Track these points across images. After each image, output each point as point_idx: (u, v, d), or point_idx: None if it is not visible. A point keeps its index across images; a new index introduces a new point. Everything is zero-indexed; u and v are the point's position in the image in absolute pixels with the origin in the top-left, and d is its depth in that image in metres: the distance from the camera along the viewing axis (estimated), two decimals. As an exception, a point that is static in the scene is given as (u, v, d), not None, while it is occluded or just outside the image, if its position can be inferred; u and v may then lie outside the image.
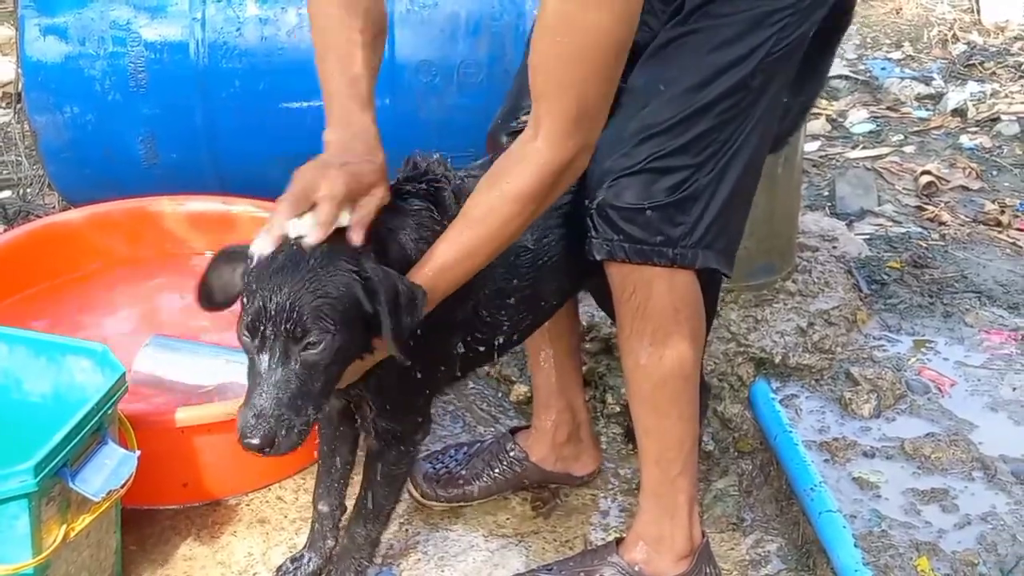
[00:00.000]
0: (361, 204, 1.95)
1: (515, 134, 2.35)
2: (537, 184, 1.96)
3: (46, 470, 2.05)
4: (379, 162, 2.03)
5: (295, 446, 1.90)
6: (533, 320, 2.39)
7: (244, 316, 1.89)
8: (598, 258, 2.20)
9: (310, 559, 2.48)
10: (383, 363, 2.09)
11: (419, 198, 2.12)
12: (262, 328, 1.86)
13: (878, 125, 5.07)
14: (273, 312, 1.85)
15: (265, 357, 1.87)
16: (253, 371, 1.89)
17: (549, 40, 1.90)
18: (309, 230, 1.88)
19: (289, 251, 1.89)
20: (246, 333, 1.88)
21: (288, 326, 1.86)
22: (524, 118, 2.27)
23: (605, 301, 2.39)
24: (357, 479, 2.42)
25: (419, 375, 2.17)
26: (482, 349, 2.30)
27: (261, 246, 1.89)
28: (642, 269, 2.18)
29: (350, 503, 2.46)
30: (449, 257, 2.00)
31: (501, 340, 2.32)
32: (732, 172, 2.18)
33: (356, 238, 1.91)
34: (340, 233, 1.93)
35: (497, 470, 2.74)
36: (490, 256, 2.04)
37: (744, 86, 2.14)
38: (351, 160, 1.99)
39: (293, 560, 2.50)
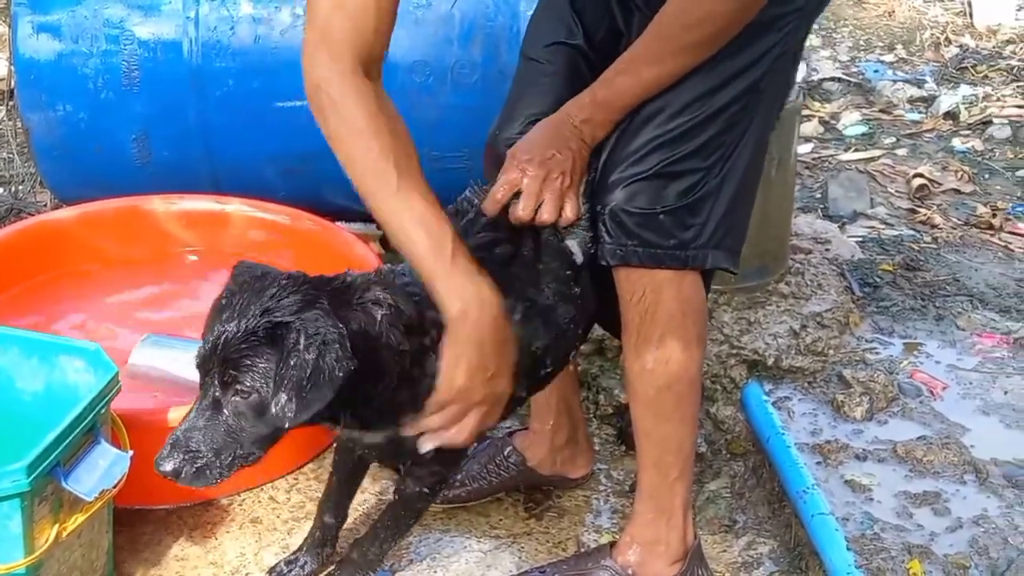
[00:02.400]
0: None
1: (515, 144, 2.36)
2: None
3: (39, 470, 2.04)
4: None
5: (206, 485, 1.95)
6: (568, 353, 2.39)
7: (199, 350, 1.93)
8: (611, 263, 2.20)
9: (306, 563, 2.47)
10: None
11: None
12: (207, 364, 1.91)
13: (871, 127, 5.08)
14: (218, 351, 1.88)
15: (202, 393, 1.92)
16: (195, 401, 1.94)
17: None
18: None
19: (249, 287, 1.92)
20: (198, 367, 1.93)
21: (222, 369, 1.89)
22: (522, 128, 2.28)
23: (602, 317, 2.39)
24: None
25: None
26: (524, 395, 2.33)
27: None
28: (652, 273, 2.19)
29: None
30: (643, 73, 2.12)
31: (540, 379, 2.34)
32: (737, 171, 2.20)
33: None
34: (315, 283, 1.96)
35: (493, 473, 2.74)
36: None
37: (754, 89, 2.17)
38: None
39: (288, 563, 2.49)
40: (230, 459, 1.93)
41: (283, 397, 1.87)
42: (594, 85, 2.20)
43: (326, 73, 1.99)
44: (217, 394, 1.91)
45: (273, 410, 1.88)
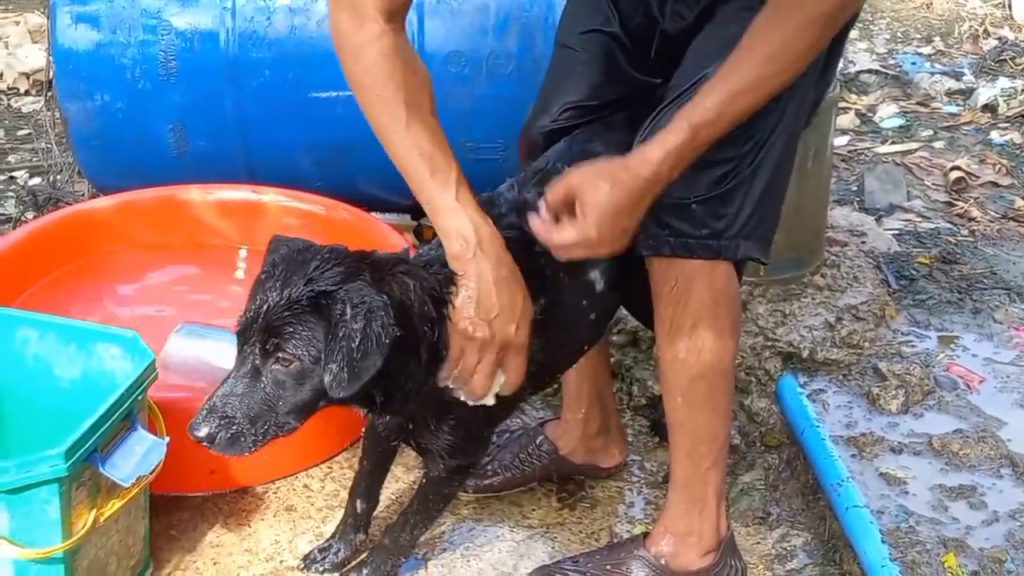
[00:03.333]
0: None
1: (551, 133, 2.35)
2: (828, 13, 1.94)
3: (76, 455, 2.06)
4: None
5: (241, 452, 1.94)
6: (592, 344, 2.43)
7: (240, 317, 1.93)
8: (644, 254, 2.19)
9: (339, 550, 2.49)
10: (452, 415, 2.15)
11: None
12: (247, 334, 1.90)
13: (908, 120, 5.04)
14: (260, 319, 1.88)
15: (240, 361, 1.91)
16: (232, 368, 1.94)
17: None
18: None
19: (292, 259, 1.93)
20: (237, 331, 1.93)
21: (263, 337, 1.88)
22: (557, 116, 2.27)
23: (636, 307, 2.39)
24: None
25: (486, 413, 2.18)
26: (549, 378, 2.37)
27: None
28: (684, 263, 2.18)
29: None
30: (735, 87, 1.96)
31: (565, 363, 2.39)
32: (769, 160, 2.17)
33: None
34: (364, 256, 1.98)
35: (526, 462, 2.74)
36: (771, 93, 1.99)
37: None
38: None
39: (321, 550, 2.50)
40: (265, 428, 1.93)
41: (334, 367, 1.88)
42: (667, 132, 2.01)
43: (347, 22, 2.05)
44: (257, 362, 1.90)
45: (327, 380, 1.89)
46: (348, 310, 1.88)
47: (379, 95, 2.04)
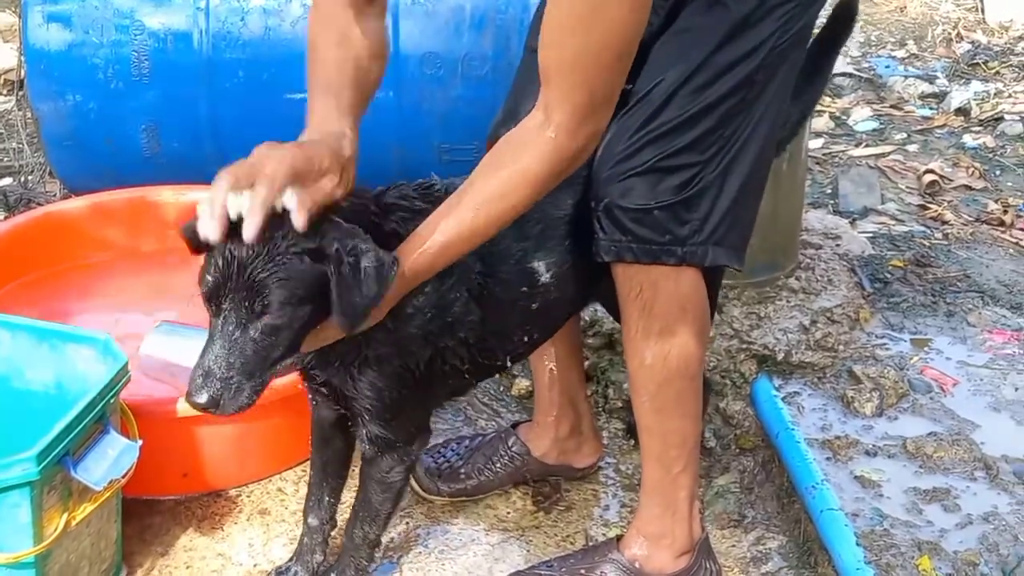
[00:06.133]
0: (310, 188, 1.87)
1: None
2: (549, 169, 1.93)
3: (48, 459, 2.04)
4: (343, 152, 1.95)
5: (243, 408, 1.89)
6: (541, 336, 2.38)
7: (204, 280, 1.87)
8: (606, 259, 2.18)
9: (296, 572, 2.45)
10: (376, 367, 2.10)
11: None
12: (220, 294, 1.85)
13: (881, 123, 5.06)
14: (233, 278, 1.84)
15: (221, 320, 1.86)
16: (211, 331, 1.89)
17: (567, 34, 1.86)
18: (246, 215, 1.80)
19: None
20: (205, 295, 1.87)
21: (245, 294, 1.84)
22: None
23: (611, 304, 2.38)
24: (349, 493, 2.41)
25: (415, 380, 2.15)
26: (487, 363, 2.29)
27: (206, 229, 1.81)
28: (649, 268, 2.17)
29: (341, 519, 2.45)
30: (449, 234, 1.94)
31: (508, 357, 2.33)
32: (739, 167, 2.16)
33: (297, 222, 1.83)
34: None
35: (499, 464, 2.74)
36: (485, 238, 1.99)
37: (749, 82, 2.13)
38: (310, 142, 1.94)
39: (279, 572, 2.47)
40: (262, 376, 1.89)
41: (346, 308, 1.87)
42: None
43: (314, 11, 2.13)
44: (242, 318, 1.86)
45: (339, 321, 1.88)
46: (343, 254, 1.85)
47: (313, 83, 2.08)
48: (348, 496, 2.46)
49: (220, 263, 1.85)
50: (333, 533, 2.47)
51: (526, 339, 2.33)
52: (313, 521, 2.43)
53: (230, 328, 1.86)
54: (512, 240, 2.19)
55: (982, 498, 2.68)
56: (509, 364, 2.38)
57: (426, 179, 2.18)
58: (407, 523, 2.65)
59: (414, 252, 1.94)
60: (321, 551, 2.45)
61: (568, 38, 1.87)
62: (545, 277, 2.23)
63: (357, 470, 2.36)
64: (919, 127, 5.03)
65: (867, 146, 4.83)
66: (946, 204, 4.26)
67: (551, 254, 2.23)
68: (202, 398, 1.86)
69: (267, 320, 1.86)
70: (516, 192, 1.94)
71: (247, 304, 1.85)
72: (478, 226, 1.95)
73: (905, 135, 4.94)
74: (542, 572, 2.46)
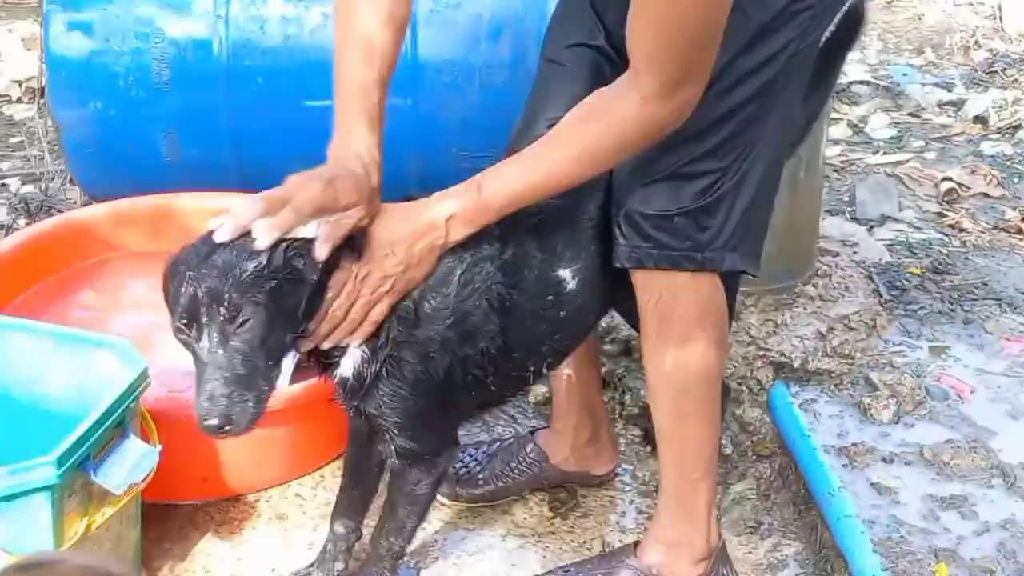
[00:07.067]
0: (335, 221, 1.95)
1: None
2: (640, 133, 1.99)
3: (69, 463, 2.06)
4: (369, 183, 2.02)
5: (254, 419, 1.91)
6: (571, 344, 2.38)
7: (176, 309, 1.91)
8: (626, 266, 2.19)
9: None
10: (397, 370, 2.10)
11: None
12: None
13: (899, 131, 5.06)
14: (205, 298, 1.87)
15: (204, 343, 1.89)
16: (197, 360, 1.91)
17: (664, 10, 1.89)
18: (262, 232, 1.89)
19: (211, 242, 1.93)
20: (182, 326, 1.90)
21: (219, 308, 1.87)
22: (543, 131, 2.27)
23: (628, 313, 2.38)
24: (378, 503, 2.42)
25: (436, 389, 2.15)
26: (515, 374, 2.29)
27: (221, 235, 1.91)
28: (668, 275, 2.18)
29: (367, 530, 2.45)
30: (534, 177, 2.02)
31: (538, 367, 2.31)
32: (754, 173, 2.17)
33: (320, 253, 1.92)
34: None
35: (516, 470, 2.74)
36: (560, 188, 2.05)
37: (768, 89, 2.13)
38: (340, 176, 1.99)
39: None
40: (258, 390, 1.91)
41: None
42: (478, 179, 2.08)
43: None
44: (217, 335, 1.88)
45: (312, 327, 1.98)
46: (302, 263, 1.91)
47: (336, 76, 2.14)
48: (375, 507, 2.46)
49: (191, 284, 1.89)
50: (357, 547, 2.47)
51: (555, 347, 2.32)
52: (340, 529, 2.44)
53: (214, 345, 1.89)
54: (537, 249, 2.19)
55: (999, 505, 2.68)
56: (545, 372, 2.38)
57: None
58: (424, 528, 2.65)
59: (495, 180, 2.02)
60: (343, 560, 2.45)
61: (665, 15, 1.89)
62: (572, 284, 2.23)
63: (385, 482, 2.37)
64: (937, 135, 5.02)
65: (885, 154, 4.82)
66: (964, 212, 4.25)
67: (576, 261, 2.23)
68: (213, 421, 1.88)
69: (243, 326, 1.89)
70: (607, 145, 2.01)
71: (221, 316, 1.88)
72: (561, 173, 2.02)
73: (923, 143, 4.93)
74: (559, 577, 2.47)
